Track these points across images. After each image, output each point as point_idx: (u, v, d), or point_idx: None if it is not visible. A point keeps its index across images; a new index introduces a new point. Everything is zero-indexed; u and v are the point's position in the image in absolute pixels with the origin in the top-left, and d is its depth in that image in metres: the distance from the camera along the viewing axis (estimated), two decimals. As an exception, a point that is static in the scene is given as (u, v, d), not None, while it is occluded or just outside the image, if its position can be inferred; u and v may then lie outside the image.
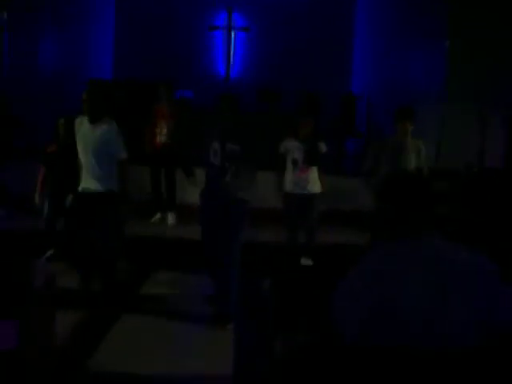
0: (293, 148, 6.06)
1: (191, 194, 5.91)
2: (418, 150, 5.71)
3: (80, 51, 11.25)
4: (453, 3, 8.31)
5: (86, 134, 4.83)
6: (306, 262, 6.07)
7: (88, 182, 4.89)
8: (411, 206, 2.04)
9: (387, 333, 1.91)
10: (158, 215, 7.55)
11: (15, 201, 7.46)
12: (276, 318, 3.33)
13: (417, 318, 1.92)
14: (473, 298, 1.94)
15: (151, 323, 4.75)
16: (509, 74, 7.82)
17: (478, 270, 1.99)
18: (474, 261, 2.02)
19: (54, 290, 3.78)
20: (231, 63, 12.52)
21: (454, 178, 7.71)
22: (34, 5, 9.49)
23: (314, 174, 6.07)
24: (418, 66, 9.71)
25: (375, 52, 11.60)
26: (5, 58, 8.88)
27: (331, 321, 2.00)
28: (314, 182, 6.07)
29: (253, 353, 3.92)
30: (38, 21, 9.82)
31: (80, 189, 4.95)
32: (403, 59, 10.24)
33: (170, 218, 7.40)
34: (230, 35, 12.42)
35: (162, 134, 7.29)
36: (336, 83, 11.87)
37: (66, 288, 4.95)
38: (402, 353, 1.89)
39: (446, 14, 8.42)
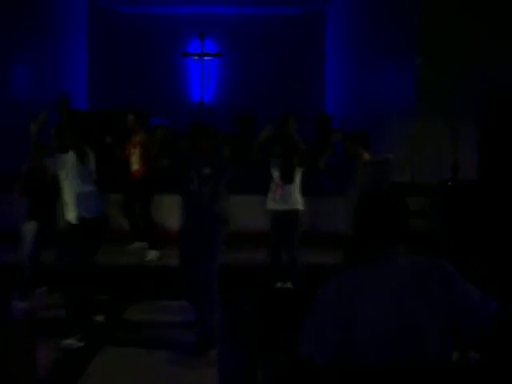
0: (276, 168, 6.15)
1: (172, 220, 5.90)
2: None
3: (53, 81, 11.23)
4: (422, 20, 8.45)
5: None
6: (283, 285, 6.08)
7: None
8: (384, 225, 2.08)
9: (358, 353, 1.93)
10: (137, 244, 7.49)
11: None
12: (258, 341, 3.34)
13: (384, 336, 1.94)
14: (436, 303, 1.97)
15: (133, 352, 4.71)
16: (480, 87, 7.96)
17: (435, 275, 2.02)
18: (432, 266, 2.06)
19: (33, 322, 3.76)
20: (205, 89, 12.61)
21: (429, 193, 7.80)
22: (8, 35, 9.49)
23: (292, 190, 6.10)
24: (390, 83, 9.85)
25: (347, 72, 11.77)
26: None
27: (298, 343, 2.00)
28: (292, 198, 6.09)
29: (237, 378, 3.91)
30: (10, 51, 9.81)
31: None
32: (374, 77, 10.39)
33: (151, 255, 7.30)
34: (203, 61, 12.52)
35: (133, 163, 7.30)
36: (310, 105, 12.02)
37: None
38: (376, 373, 1.90)
39: (416, 30, 8.55)
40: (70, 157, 4.91)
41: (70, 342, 4.73)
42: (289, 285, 6.05)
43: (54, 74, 11.28)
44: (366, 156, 5.60)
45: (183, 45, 12.77)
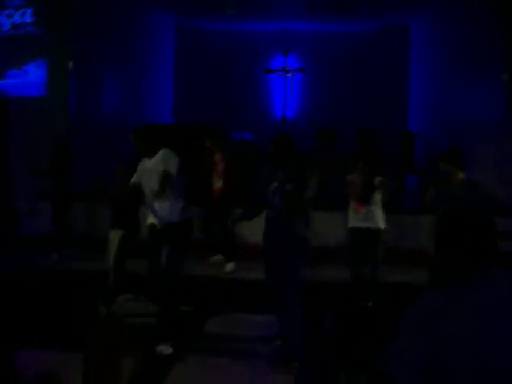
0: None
1: (252, 233, 5.95)
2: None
3: (141, 98, 11.64)
4: (509, 33, 8.22)
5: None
6: (366, 304, 5.98)
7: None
8: (470, 244, 1.93)
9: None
10: (217, 257, 7.61)
11: (80, 241, 7.69)
12: (338, 357, 3.30)
13: (470, 372, 1.79)
14: None
15: (214, 362, 4.76)
16: None
17: None
18: None
19: (119, 328, 3.88)
20: (288, 104, 12.68)
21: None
22: (97, 54, 9.94)
23: (373, 207, 6.02)
24: (476, 101, 9.58)
25: (431, 88, 11.54)
26: (71, 105, 9.29)
27: (383, 362, 1.92)
28: (374, 217, 6.00)
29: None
30: (101, 69, 10.26)
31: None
32: (460, 95, 10.14)
33: (228, 267, 7.40)
34: (286, 77, 12.60)
35: (215, 181, 7.40)
36: (393, 122, 11.88)
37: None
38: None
39: (504, 46, 8.32)
40: (158, 162, 5.05)
41: (163, 348, 4.85)
42: (371, 304, 5.95)
43: (141, 91, 11.69)
44: (461, 175, 5.49)
45: (266, 61, 12.92)
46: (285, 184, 4.80)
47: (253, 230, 5.89)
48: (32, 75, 9.39)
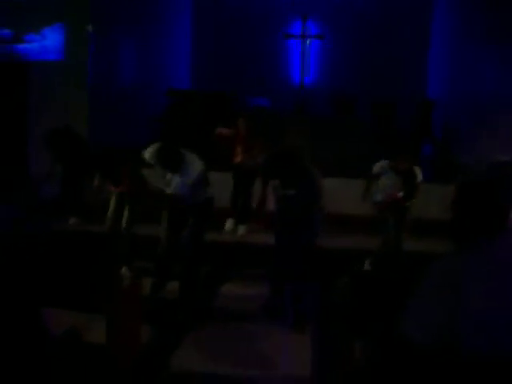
0: (386, 176, 6.06)
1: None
2: None
3: (158, 62, 11.64)
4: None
5: None
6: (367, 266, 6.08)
7: None
8: (482, 212, 2.09)
9: (460, 336, 1.94)
10: (230, 222, 7.66)
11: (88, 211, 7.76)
12: (352, 321, 3.38)
13: (488, 324, 1.94)
14: None
15: (230, 326, 4.88)
16: None
17: None
18: None
19: (138, 291, 3.99)
20: (306, 71, 12.60)
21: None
22: (116, 18, 9.93)
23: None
24: (495, 71, 9.47)
25: (451, 58, 11.41)
26: (89, 69, 9.32)
27: (402, 321, 2.04)
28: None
29: (331, 355, 3.98)
30: (119, 33, 10.26)
31: None
32: (481, 65, 10.01)
33: (241, 230, 7.49)
34: (305, 43, 12.50)
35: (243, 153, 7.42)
36: (412, 89, 11.80)
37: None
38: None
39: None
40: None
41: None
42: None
43: (159, 55, 11.69)
44: None
45: (285, 26, 12.80)
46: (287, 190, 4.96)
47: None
48: (50, 39, 9.40)
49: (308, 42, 12.52)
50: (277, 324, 4.87)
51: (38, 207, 7.56)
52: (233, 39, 12.72)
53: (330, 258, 5.72)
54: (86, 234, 6.82)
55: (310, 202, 4.88)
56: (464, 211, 2.15)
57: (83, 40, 9.31)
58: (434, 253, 2.35)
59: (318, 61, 12.85)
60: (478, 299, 1.96)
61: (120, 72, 10.45)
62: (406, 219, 6.04)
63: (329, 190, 5.16)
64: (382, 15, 12.45)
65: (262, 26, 12.68)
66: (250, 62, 12.56)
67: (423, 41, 12.48)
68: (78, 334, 2.91)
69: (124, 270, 5.60)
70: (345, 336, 3.37)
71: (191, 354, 4.27)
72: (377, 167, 6.12)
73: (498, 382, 1.91)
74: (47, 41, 9.42)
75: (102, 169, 6.11)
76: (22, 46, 9.49)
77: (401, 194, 5.98)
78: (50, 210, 7.57)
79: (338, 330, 3.57)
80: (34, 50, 9.45)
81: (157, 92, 10.86)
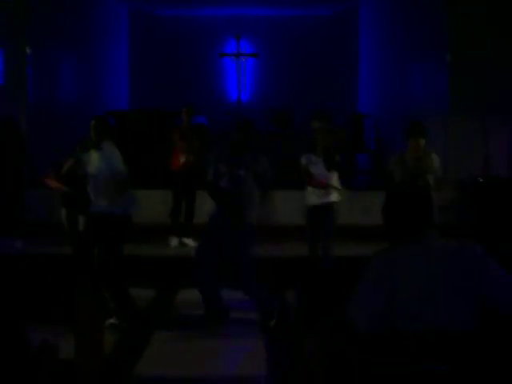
0: (310, 162, 6.18)
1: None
2: (431, 163, 5.96)
3: (97, 83, 11.76)
4: (452, 16, 8.65)
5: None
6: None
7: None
8: (409, 215, 2.44)
9: (396, 318, 2.31)
10: (175, 241, 7.76)
11: (33, 229, 7.79)
12: (304, 319, 3.69)
13: (419, 304, 2.29)
14: (466, 277, 2.32)
15: (185, 334, 5.10)
16: (510, 83, 8.16)
17: (466, 256, 2.38)
18: (463, 246, 2.43)
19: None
20: (242, 88, 12.97)
21: (462, 188, 8.06)
22: (54, 40, 10.05)
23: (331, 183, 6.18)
24: (421, 81, 10.07)
25: (379, 71, 12.02)
26: (29, 91, 9.38)
27: (345, 310, 2.38)
28: (331, 192, 6.15)
29: (284, 354, 4.28)
30: (57, 55, 10.37)
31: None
32: (405, 76, 10.63)
33: (190, 242, 7.59)
34: (240, 61, 12.89)
35: (185, 154, 7.60)
36: (344, 103, 12.33)
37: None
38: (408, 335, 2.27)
39: (446, 27, 8.75)
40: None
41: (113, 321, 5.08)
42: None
43: (97, 76, 11.81)
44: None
45: (220, 45, 13.17)
46: (237, 169, 5.13)
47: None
48: (-13, 63, 9.41)
49: (243, 59, 12.91)
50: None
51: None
52: (169, 59, 12.99)
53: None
54: (38, 255, 6.88)
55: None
56: (392, 215, 2.50)
57: (21, 63, 9.38)
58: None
59: (253, 78, 13.27)
60: (409, 288, 2.32)
61: (59, 93, 10.53)
62: (332, 221, 6.20)
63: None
64: (313, 32, 12.98)
65: (198, 45, 13.01)
66: (186, 81, 12.83)
67: (353, 56, 13.09)
68: (53, 348, 3.06)
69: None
70: (297, 333, 3.67)
71: (152, 360, 4.47)
72: (303, 159, 6.23)
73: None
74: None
75: None
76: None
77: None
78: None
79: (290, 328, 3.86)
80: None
81: (96, 113, 10.95)
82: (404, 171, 5.89)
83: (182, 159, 7.58)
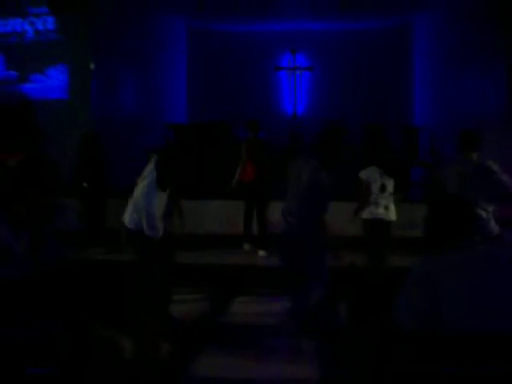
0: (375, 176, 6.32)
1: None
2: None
3: (156, 97, 12.15)
4: (509, 28, 8.60)
5: None
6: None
7: None
8: (448, 223, 2.59)
9: (442, 321, 2.42)
10: (247, 247, 8.03)
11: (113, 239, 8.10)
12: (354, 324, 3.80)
13: (464, 309, 2.39)
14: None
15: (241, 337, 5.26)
16: None
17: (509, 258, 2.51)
18: (505, 251, 2.59)
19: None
20: (298, 101, 13.15)
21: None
22: (116, 58, 10.48)
23: (391, 201, 6.35)
24: (477, 94, 9.99)
25: (435, 83, 11.98)
26: (92, 104, 9.82)
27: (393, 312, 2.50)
28: (391, 210, 6.35)
29: (335, 359, 4.38)
30: (119, 71, 10.81)
31: None
32: (461, 88, 10.56)
33: (262, 253, 7.79)
34: (296, 75, 13.09)
35: (253, 170, 7.83)
36: (399, 116, 12.33)
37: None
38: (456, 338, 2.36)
39: (503, 39, 8.70)
40: None
41: None
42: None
43: (156, 89, 12.20)
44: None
45: (275, 59, 13.39)
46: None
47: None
48: (54, 79, 9.91)
49: (298, 73, 13.10)
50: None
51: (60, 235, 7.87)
52: (226, 73, 13.27)
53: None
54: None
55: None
56: (434, 224, 2.67)
57: (86, 78, 9.83)
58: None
59: (308, 91, 13.42)
60: (453, 291, 2.43)
61: (121, 108, 10.95)
62: (388, 237, 6.36)
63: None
64: (367, 45, 13.05)
65: (254, 60, 13.24)
66: (242, 95, 13.09)
67: (407, 68, 13.08)
68: (119, 347, 3.26)
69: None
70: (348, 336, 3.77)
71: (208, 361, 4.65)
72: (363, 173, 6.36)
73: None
74: (51, 80, 9.92)
75: None
76: (27, 85, 9.97)
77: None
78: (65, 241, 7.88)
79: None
80: (39, 90, 9.94)
81: (157, 126, 11.34)
82: (456, 184, 5.86)
83: (253, 171, 7.83)
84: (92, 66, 9.81)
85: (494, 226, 5.36)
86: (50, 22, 9.87)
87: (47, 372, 2.75)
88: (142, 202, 5.04)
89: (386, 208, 6.32)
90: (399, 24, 13.03)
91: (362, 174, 6.37)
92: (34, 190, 3.68)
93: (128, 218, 5.19)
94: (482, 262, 2.49)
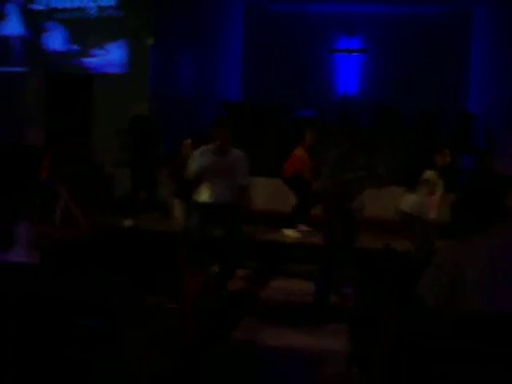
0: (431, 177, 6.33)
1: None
2: None
3: (211, 74, 12.36)
4: None
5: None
6: None
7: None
8: (472, 211, 2.69)
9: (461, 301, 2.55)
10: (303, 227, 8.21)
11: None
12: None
13: (484, 290, 2.51)
14: None
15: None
16: None
17: None
18: None
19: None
20: (350, 83, 13.16)
21: None
22: (173, 34, 10.70)
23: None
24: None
25: (492, 72, 11.77)
26: (150, 79, 10.09)
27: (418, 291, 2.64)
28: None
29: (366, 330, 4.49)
30: (176, 48, 11.03)
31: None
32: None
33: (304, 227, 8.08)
34: (350, 57, 13.09)
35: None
36: (452, 102, 12.19)
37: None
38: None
39: None
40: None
41: None
42: None
43: (212, 67, 12.40)
44: None
45: (330, 41, 13.39)
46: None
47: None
48: (114, 54, 10.20)
49: (353, 56, 13.09)
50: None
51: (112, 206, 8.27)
52: (281, 54, 13.37)
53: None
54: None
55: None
56: (464, 209, 2.75)
57: (144, 54, 10.10)
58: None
59: (361, 74, 13.39)
60: (473, 273, 2.55)
61: (177, 83, 11.19)
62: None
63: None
64: (423, 29, 12.90)
65: (309, 41, 13.28)
66: (296, 75, 13.18)
67: (464, 56, 12.88)
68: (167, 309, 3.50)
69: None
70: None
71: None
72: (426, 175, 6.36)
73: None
74: (111, 55, 10.22)
75: None
76: (87, 59, 10.31)
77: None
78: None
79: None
80: (98, 64, 10.26)
81: (209, 103, 11.56)
82: None
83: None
84: (151, 42, 10.05)
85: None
86: (112, -1, 10.16)
87: (97, 326, 2.97)
88: None
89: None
90: (458, 9, 12.82)
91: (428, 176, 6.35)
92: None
93: None
94: (509, 248, 2.58)
